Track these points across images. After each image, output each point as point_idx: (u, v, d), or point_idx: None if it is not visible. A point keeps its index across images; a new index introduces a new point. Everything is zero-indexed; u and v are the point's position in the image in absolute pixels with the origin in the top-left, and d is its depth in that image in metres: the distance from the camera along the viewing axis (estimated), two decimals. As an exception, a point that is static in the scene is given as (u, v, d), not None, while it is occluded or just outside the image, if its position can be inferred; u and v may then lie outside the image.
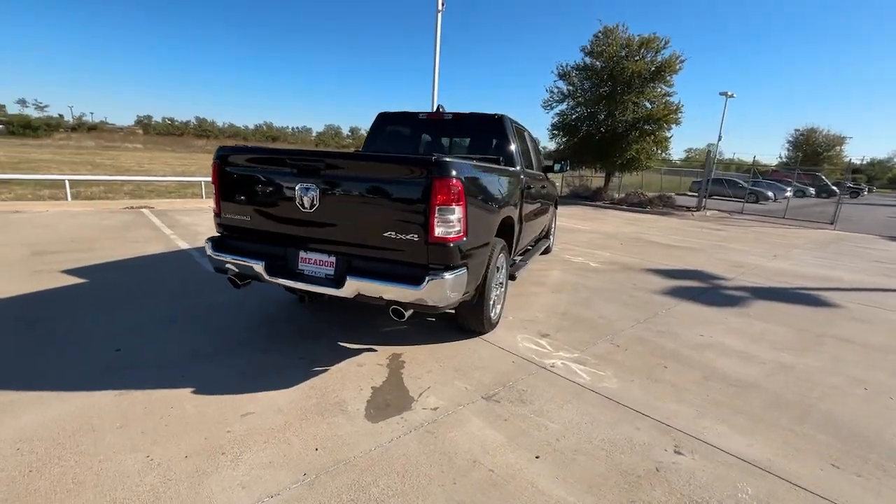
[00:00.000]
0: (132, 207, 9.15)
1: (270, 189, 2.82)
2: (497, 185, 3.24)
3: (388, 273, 2.61)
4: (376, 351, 3.13)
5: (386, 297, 2.58)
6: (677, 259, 7.26)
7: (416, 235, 2.52)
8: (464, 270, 2.69)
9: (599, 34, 16.57)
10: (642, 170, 17.87)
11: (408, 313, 2.62)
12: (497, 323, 3.69)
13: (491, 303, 3.41)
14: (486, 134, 4.29)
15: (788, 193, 20.82)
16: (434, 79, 14.49)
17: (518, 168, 4.14)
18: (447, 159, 2.50)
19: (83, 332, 3.15)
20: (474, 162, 2.97)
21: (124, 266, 4.88)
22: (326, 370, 2.79)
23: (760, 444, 2.29)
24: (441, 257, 2.56)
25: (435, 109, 4.42)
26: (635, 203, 16.63)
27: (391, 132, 4.68)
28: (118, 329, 3.21)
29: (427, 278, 2.48)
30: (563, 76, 17.54)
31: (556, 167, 5.95)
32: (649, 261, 6.94)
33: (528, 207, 4.65)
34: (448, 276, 2.55)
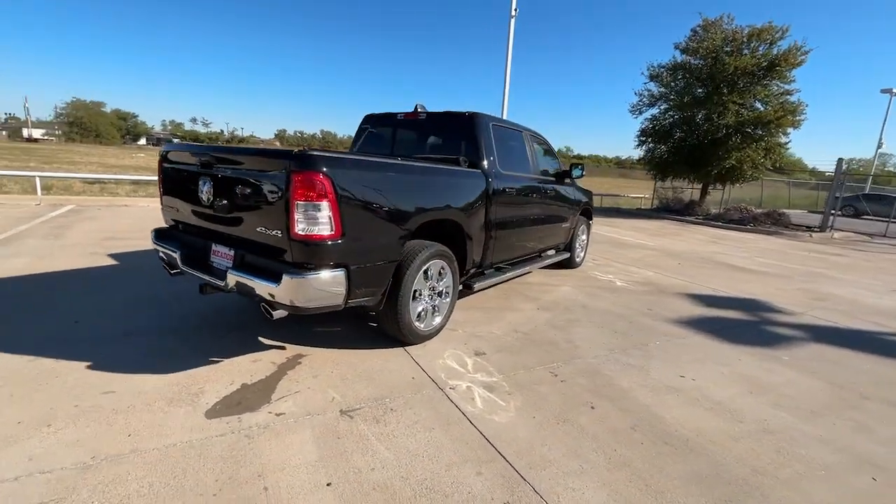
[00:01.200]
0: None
1: (187, 184, 2.97)
2: (411, 184, 2.99)
3: (257, 267, 2.56)
4: (284, 349, 3.08)
5: (256, 292, 2.53)
6: (739, 285, 6.04)
7: (279, 231, 2.43)
8: (341, 272, 2.53)
9: (698, 28, 14.73)
10: (745, 181, 15.33)
11: (276, 313, 2.53)
12: (434, 334, 3.40)
13: (414, 311, 3.15)
14: (456, 133, 4.03)
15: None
16: (505, 84, 14.24)
17: (481, 170, 3.80)
18: (311, 152, 2.38)
19: (65, 305, 3.63)
20: (366, 157, 2.79)
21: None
22: (218, 362, 2.83)
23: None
24: (305, 256, 2.43)
25: (413, 109, 4.28)
26: (735, 220, 14.32)
27: (374, 133, 4.66)
28: (91, 306, 3.64)
29: (284, 276, 2.37)
30: (654, 77, 15.92)
31: (576, 172, 5.39)
32: (698, 284, 5.88)
33: (514, 213, 4.25)
34: (311, 276, 2.41)
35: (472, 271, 3.90)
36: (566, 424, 2.38)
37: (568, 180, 5.58)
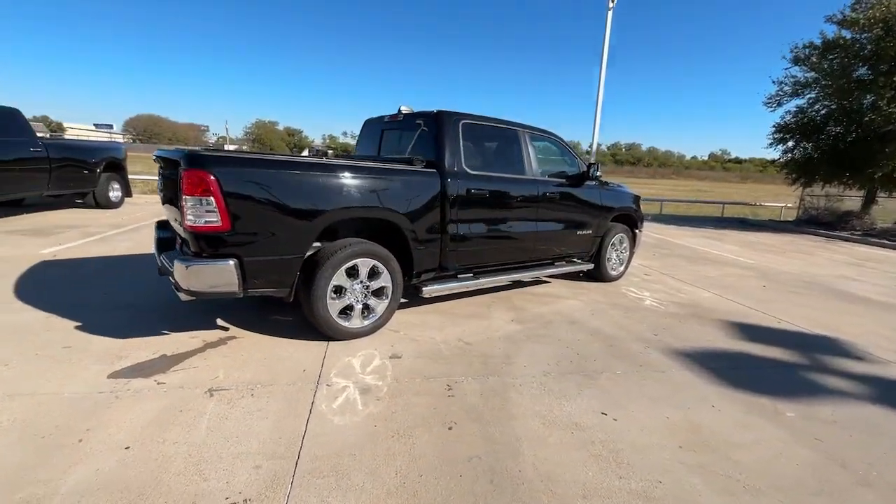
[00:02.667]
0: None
1: (163, 180, 3.52)
2: (317, 182, 3.03)
3: (182, 254, 2.92)
4: (227, 331, 3.42)
5: (171, 276, 2.88)
6: (831, 319, 4.68)
7: (181, 223, 2.74)
8: (231, 262, 2.74)
9: (865, -7, 11.62)
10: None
11: (181, 295, 2.83)
12: (364, 333, 3.40)
13: (334, 308, 3.19)
14: (424, 132, 3.95)
15: None
16: (599, 82, 13.27)
17: (438, 170, 3.68)
18: (200, 152, 2.64)
19: (113, 280, 4.57)
20: (262, 156, 2.94)
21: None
22: (165, 335, 3.27)
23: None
24: (197, 245, 2.70)
25: (397, 111, 4.33)
26: (912, 237, 10.90)
27: (369, 134, 4.84)
28: (127, 283, 4.52)
29: (176, 262, 2.68)
30: (799, 61, 13.05)
31: (594, 171, 4.84)
32: (762, 313, 4.73)
33: (490, 216, 4.03)
34: (197, 264, 2.67)
35: (425, 274, 3.79)
36: (401, 439, 2.20)
37: (593, 183, 5.01)
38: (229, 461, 1.97)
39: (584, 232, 5.05)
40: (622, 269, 5.75)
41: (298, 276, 3.07)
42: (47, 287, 4.18)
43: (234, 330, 3.45)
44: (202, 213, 2.63)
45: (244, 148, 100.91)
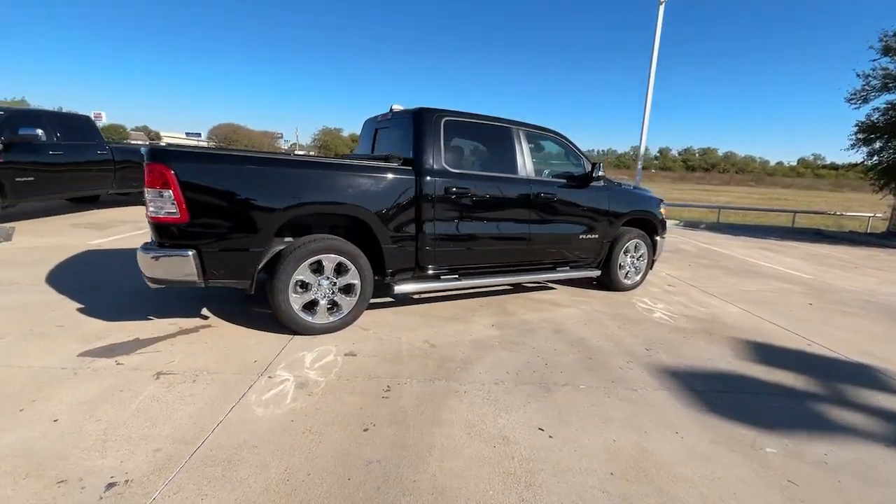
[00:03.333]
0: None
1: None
2: (278, 178, 3.08)
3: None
4: (206, 319, 3.58)
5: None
6: (878, 346, 4.00)
7: (147, 214, 2.91)
8: (189, 252, 2.86)
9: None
10: None
11: (148, 283, 3.00)
12: (331, 329, 3.40)
13: (297, 302, 3.23)
14: (406, 130, 3.91)
15: None
16: (649, 78, 12.57)
17: (414, 168, 3.62)
18: (160, 148, 2.79)
19: (133, 269, 4.97)
20: (222, 152, 3.02)
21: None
22: (148, 320, 3.49)
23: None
24: (159, 235, 2.86)
25: (389, 109, 4.33)
26: None
27: (365, 134, 4.88)
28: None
29: (138, 251, 2.84)
30: (890, 50, 11.43)
31: (597, 172, 4.55)
32: (793, 333, 4.17)
33: (472, 216, 3.90)
34: (154, 253, 2.83)
35: (401, 273, 3.73)
36: (310, 436, 2.16)
37: (599, 184, 4.69)
38: (136, 442, 2.03)
39: (589, 236, 4.72)
40: (638, 278, 5.32)
41: (260, 269, 3.14)
42: (76, 272, 4.64)
43: (212, 319, 3.60)
44: (162, 206, 2.78)
45: (311, 153, 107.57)
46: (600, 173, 4.52)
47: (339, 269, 3.38)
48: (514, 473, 1.98)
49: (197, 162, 2.89)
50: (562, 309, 4.46)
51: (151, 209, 2.80)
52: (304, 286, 3.29)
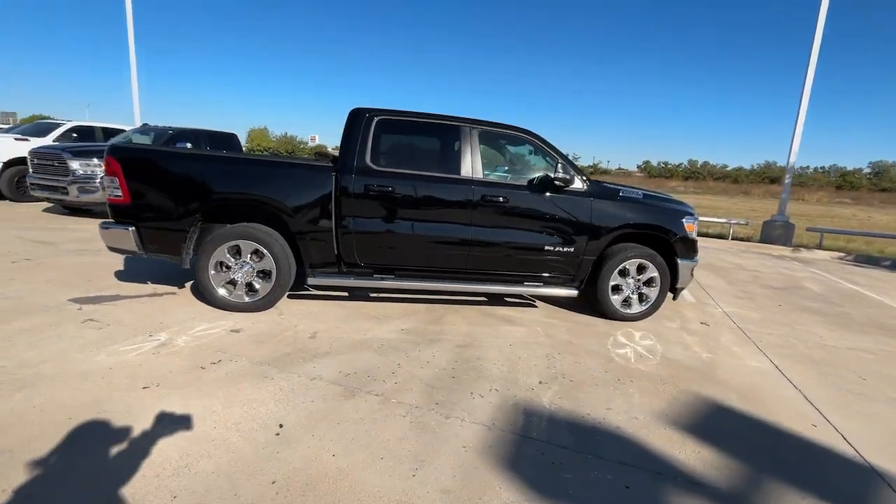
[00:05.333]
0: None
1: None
2: (196, 170, 3.61)
3: None
4: (181, 288, 4.33)
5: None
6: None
7: (108, 197, 3.73)
8: (129, 228, 3.57)
9: None
10: None
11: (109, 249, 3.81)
12: (246, 309, 3.75)
13: (216, 281, 3.69)
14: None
15: None
16: (805, 84, 10.07)
17: (335, 165, 3.75)
18: (112, 143, 3.55)
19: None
20: (161, 148, 3.59)
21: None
22: (145, 284, 4.39)
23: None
24: (110, 213, 3.64)
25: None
26: None
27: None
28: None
29: (98, 225, 3.67)
30: None
31: (566, 175, 3.98)
32: (820, 412, 2.91)
33: (398, 215, 3.85)
34: (105, 227, 3.61)
35: (324, 267, 3.89)
36: (130, 377, 2.51)
37: (580, 187, 4.03)
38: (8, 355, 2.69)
39: (561, 249, 4.06)
40: (643, 307, 4.31)
41: (192, 248, 3.70)
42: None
43: (181, 291, 4.32)
44: (113, 189, 3.55)
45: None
46: (573, 176, 3.88)
47: (258, 255, 3.73)
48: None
49: (137, 156, 3.61)
50: (507, 327, 3.95)
51: (108, 192, 3.60)
52: (228, 267, 3.73)
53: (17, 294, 3.82)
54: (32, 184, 7.68)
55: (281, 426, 2.23)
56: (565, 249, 4.08)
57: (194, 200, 3.61)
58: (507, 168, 4.28)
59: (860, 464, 2.32)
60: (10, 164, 9.04)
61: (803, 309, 5.38)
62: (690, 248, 4.33)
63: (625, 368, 3.26)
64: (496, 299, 4.68)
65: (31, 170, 7.79)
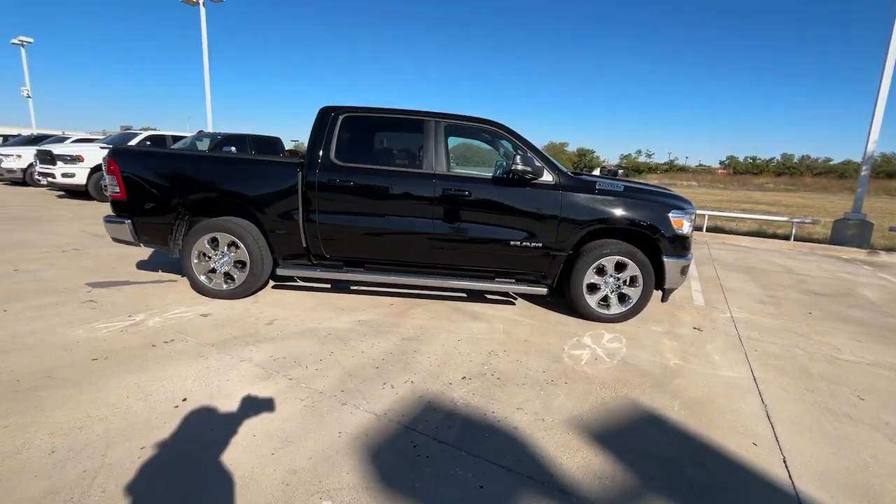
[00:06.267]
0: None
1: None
2: (174, 169, 3.97)
3: None
4: (181, 277, 4.79)
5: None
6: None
7: (112, 194, 4.22)
8: (126, 221, 4.03)
9: None
10: None
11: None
12: (224, 296, 4.08)
13: (198, 270, 4.05)
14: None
15: None
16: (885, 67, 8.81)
17: (300, 160, 3.94)
18: (114, 147, 4.01)
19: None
20: (151, 149, 3.96)
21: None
22: (153, 272, 4.93)
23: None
24: (112, 207, 4.11)
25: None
26: None
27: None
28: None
29: (104, 218, 4.18)
30: None
31: (531, 166, 3.87)
32: (781, 434, 2.56)
33: (362, 209, 3.97)
34: (108, 220, 4.10)
35: (294, 259, 4.10)
36: (91, 344, 2.88)
37: (549, 181, 3.88)
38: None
39: (527, 244, 3.91)
40: (623, 308, 4.01)
41: (179, 240, 4.09)
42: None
43: (182, 280, 4.74)
44: (112, 187, 4.03)
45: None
46: (541, 168, 3.74)
47: (233, 247, 4.03)
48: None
49: (131, 157, 4.06)
50: (470, 323, 3.88)
51: (109, 189, 4.10)
52: (208, 257, 4.07)
53: (49, 277, 4.47)
54: (104, 185, 8.88)
55: (184, 400, 2.42)
56: (532, 245, 3.92)
57: (175, 196, 3.99)
58: (475, 161, 4.21)
59: (784, 490, 2.00)
60: (96, 169, 10.55)
61: (839, 318, 4.66)
62: (679, 245, 3.95)
63: (568, 370, 3.08)
64: (476, 295, 4.62)
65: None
